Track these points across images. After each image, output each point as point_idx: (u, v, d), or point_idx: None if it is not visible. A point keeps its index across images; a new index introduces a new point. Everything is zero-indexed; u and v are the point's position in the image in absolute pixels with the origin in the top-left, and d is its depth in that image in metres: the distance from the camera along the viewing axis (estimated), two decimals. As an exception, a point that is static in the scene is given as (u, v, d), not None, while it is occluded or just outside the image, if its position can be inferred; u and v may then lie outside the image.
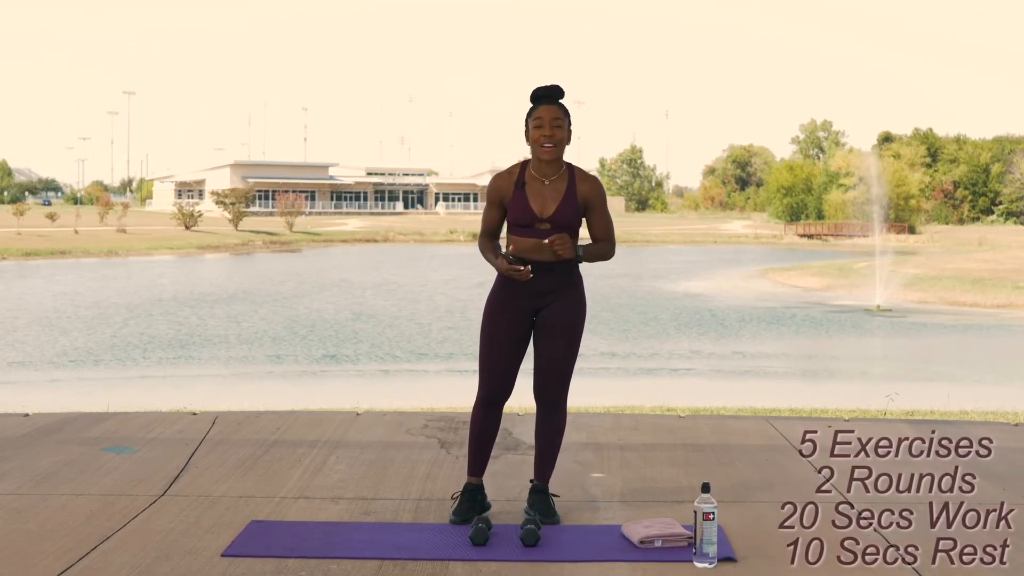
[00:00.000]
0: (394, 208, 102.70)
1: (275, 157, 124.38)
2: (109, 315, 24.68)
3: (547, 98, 4.27)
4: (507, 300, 4.34)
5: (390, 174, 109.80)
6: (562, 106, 4.29)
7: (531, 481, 4.50)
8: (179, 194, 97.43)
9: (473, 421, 4.45)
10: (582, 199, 4.31)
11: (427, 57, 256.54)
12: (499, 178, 4.37)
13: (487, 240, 4.42)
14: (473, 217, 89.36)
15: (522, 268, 4.19)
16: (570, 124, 4.31)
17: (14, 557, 3.93)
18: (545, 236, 4.26)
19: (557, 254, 4.22)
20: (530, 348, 4.47)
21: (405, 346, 19.91)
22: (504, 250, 4.34)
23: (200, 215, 66.61)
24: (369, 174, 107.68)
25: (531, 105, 4.30)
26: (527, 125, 4.31)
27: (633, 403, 10.38)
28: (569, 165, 4.36)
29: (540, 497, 4.43)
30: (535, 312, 4.36)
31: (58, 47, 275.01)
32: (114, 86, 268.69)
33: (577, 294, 4.39)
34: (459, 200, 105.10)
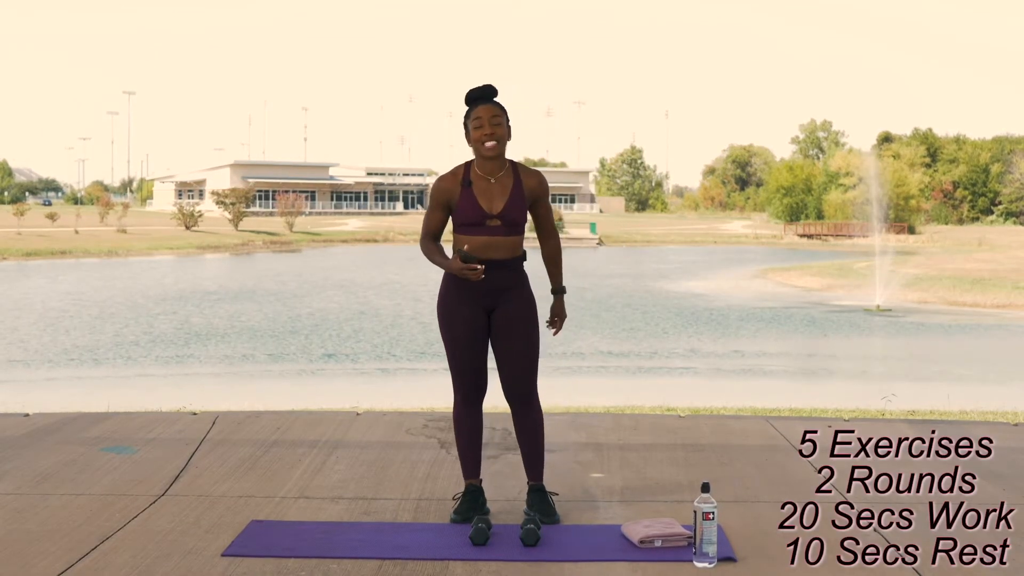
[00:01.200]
0: (394, 208, 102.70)
1: (275, 157, 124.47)
2: (109, 315, 24.69)
3: (483, 99, 4.31)
4: (459, 300, 4.38)
5: (390, 174, 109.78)
6: (499, 104, 4.33)
7: (528, 483, 4.49)
8: (179, 194, 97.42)
9: (457, 423, 4.48)
10: (529, 194, 4.37)
11: (427, 57, 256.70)
12: (444, 180, 4.37)
13: (431, 242, 4.42)
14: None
15: (477, 267, 4.20)
16: (509, 121, 4.36)
17: (14, 557, 3.93)
18: (495, 232, 4.29)
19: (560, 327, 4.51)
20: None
21: (405, 345, 19.91)
22: (452, 251, 4.32)
23: (200, 215, 66.62)
24: (369, 174, 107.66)
25: (467, 108, 4.34)
26: (466, 127, 4.34)
27: (633, 403, 10.39)
28: (512, 162, 4.40)
29: (539, 496, 4.43)
30: (488, 310, 4.39)
31: (58, 47, 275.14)
32: (114, 86, 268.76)
33: (527, 290, 4.43)
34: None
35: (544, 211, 4.47)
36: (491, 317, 4.39)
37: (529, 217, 4.45)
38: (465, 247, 4.27)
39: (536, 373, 4.46)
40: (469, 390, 4.43)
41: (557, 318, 4.50)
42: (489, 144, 4.27)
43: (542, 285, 4.42)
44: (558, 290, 4.53)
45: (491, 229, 4.29)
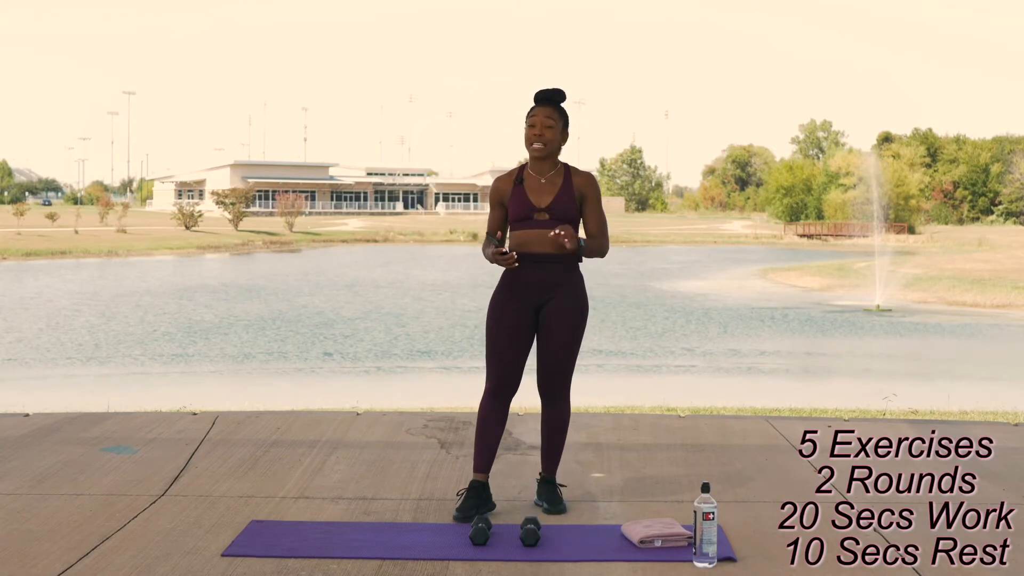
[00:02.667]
0: (394, 208, 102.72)
1: (275, 157, 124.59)
2: (110, 315, 24.69)
3: (545, 100, 4.48)
4: (511, 295, 4.48)
5: (390, 174, 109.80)
6: (559, 108, 4.49)
7: (539, 474, 4.65)
8: (179, 194, 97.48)
9: (480, 414, 4.54)
10: (578, 192, 4.50)
11: (427, 57, 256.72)
12: (499, 180, 4.58)
13: (487, 239, 4.58)
14: (473, 217, 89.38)
15: (507, 253, 4.35)
16: (565, 126, 4.50)
17: (14, 557, 3.93)
18: (545, 226, 4.41)
19: (564, 245, 4.36)
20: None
21: (405, 345, 19.91)
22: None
23: (200, 215, 66.61)
24: (369, 174, 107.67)
25: (532, 106, 4.51)
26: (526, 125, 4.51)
27: (633, 403, 10.39)
28: (565, 164, 4.55)
29: (548, 488, 4.58)
30: (538, 307, 4.49)
31: (58, 47, 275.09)
32: (114, 86, 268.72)
33: (578, 289, 4.52)
34: (459, 200, 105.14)
35: (593, 211, 4.53)
36: (539, 313, 4.49)
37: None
38: (498, 233, 4.49)
39: (571, 373, 4.56)
40: (499, 384, 4.49)
41: (564, 232, 4.30)
42: (536, 145, 4.44)
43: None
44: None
45: (539, 223, 4.43)
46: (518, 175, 4.53)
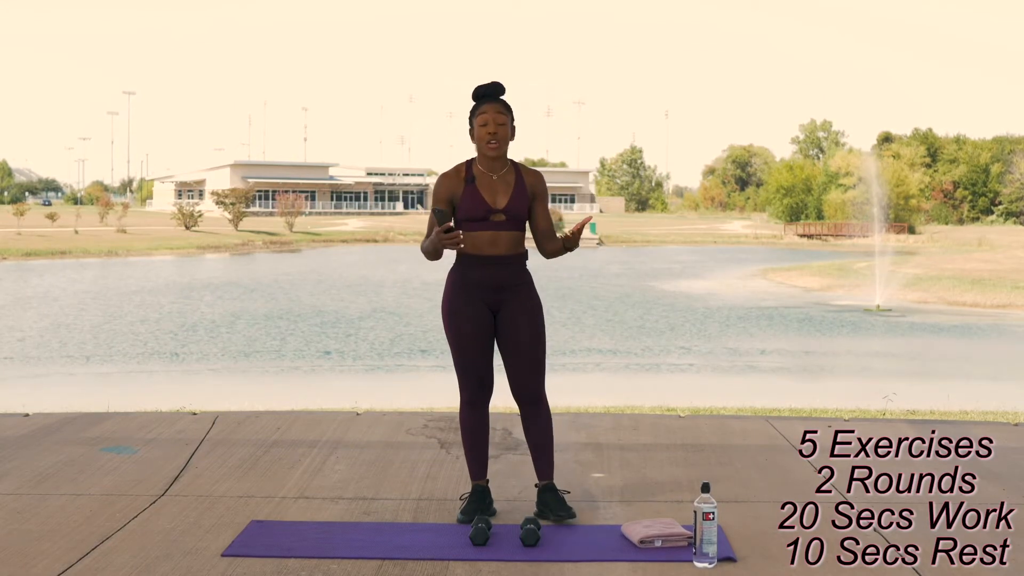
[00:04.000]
0: (394, 208, 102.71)
1: (275, 157, 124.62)
2: (110, 315, 24.69)
3: (489, 96, 4.36)
4: (464, 299, 4.38)
5: (390, 174, 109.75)
6: (505, 103, 4.37)
7: (536, 484, 4.46)
8: (179, 194, 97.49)
9: (463, 425, 4.49)
10: (530, 191, 4.43)
11: (427, 57, 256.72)
12: (446, 177, 4.41)
13: (426, 238, 4.37)
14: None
15: (453, 228, 4.18)
16: (512, 120, 4.39)
17: (14, 557, 3.93)
18: (500, 227, 4.33)
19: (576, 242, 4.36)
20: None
21: (406, 345, 19.91)
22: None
23: (200, 215, 66.61)
24: (369, 174, 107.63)
25: (473, 104, 4.39)
26: (471, 124, 4.38)
27: (633, 403, 10.39)
28: (512, 161, 4.45)
29: (553, 496, 4.39)
30: (493, 310, 4.40)
31: (58, 47, 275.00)
32: (114, 86, 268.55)
33: (530, 289, 4.45)
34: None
35: (542, 209, 4.47)
36: (496, 317, 4.41)
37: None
38: (440, 207, 4.28)
39: (544, 373, 4.46)
40: (474, 391, 4.43)
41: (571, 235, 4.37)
42: (492, 144, 4.32)
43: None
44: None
45: (495, 224, 4.34)
46: (468, 172, 4.38)
